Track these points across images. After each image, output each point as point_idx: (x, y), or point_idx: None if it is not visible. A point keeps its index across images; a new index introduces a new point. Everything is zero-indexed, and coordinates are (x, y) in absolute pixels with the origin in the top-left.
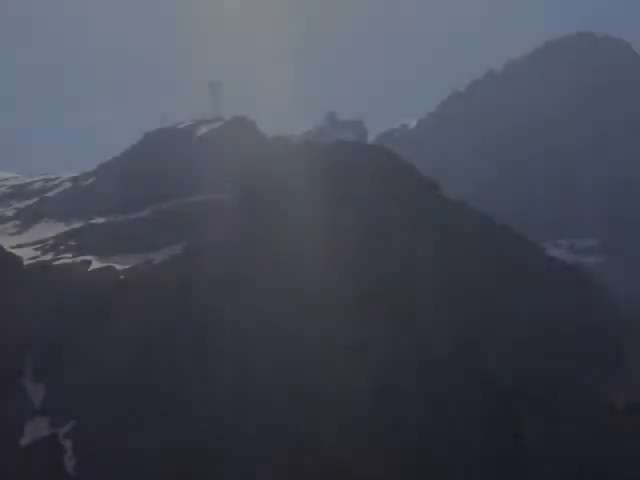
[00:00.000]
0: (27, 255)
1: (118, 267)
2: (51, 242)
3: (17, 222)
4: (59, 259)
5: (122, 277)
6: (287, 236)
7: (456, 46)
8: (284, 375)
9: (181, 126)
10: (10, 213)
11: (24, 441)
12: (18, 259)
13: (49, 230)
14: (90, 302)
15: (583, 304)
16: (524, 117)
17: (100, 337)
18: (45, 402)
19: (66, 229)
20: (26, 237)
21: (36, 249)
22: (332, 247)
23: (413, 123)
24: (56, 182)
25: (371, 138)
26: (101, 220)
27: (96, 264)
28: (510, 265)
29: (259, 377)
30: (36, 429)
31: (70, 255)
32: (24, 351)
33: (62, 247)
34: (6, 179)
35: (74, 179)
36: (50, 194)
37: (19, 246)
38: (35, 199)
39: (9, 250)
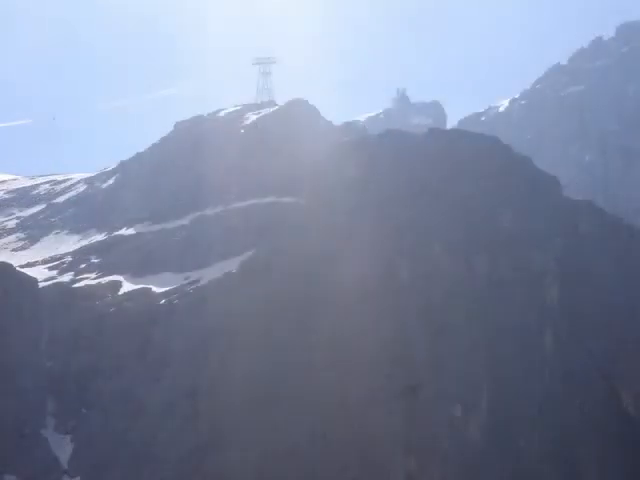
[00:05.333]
0: (40, 276)
1: (155, 289)
2: (68, 259)
3: (21, 235)
4: (80, 280)
5: (162, 302)
6: (368, 251)
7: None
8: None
9: (223, 113)
10: (12, 224)
11: None
12: (32, 281)
13: (62, 244)
14: (123, 334)
15: None
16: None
17: (138, 377)
18: (73, 459)
19: (84, 243)
20: (34, 253)
21: (50, 268)
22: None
23: (503, 105)
24: (66, 184)
25: (451, 123)
26: (129, 231)
27: (127, 286)
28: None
29: None
30: None
31: (94, 275)
32: (45, 395)
33: (82, 265)
34: (4, 181)
35: (89, 180)
36: (60, 199)
37: (28, 265)
38: (41, 206)
39: (20, 270)
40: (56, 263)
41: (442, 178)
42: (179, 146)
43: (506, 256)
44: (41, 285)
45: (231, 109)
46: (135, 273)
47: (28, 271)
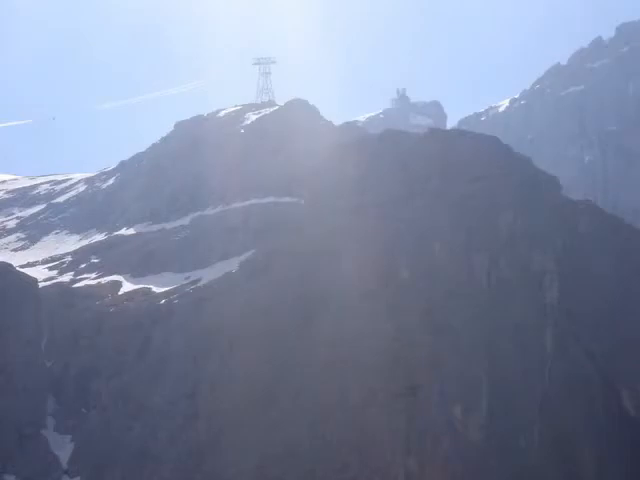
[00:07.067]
0: (40, 276)
1: (155, 289)
2: (68, 259)
3: (21, 235)
4: (80, 280)
5: (162, 302)
6: (368, 251)
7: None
8: None
9: (223, 113)
10: (12, 224)
11: None
12: (32, 281)
13: (62, 244)
14: (123, 334)
15: None
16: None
17: (138, 377)
18: (73, 459)
19: (84, 243)
20: (34, 253)
21: (50, 268)
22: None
23: (503, 105)
24: (66, 184)
25: (451, 123)
26: (129, 231)
27: (127, 286)
28: None
29: None
30: None
31: (94, 275)
32: (45, 395)
33: (82, 265)
34: (4, 181)
35: (89, 180)
36: (60, 199)
37: (29, 264)
38: (41, 206)
39: (20, 270)
40: (56, 263)
41: (442, 178)
42: (179, 146)
43: (506, 256)
44: (41, 285)
45: (231, 109)
46: (135, 273)
47: (28, 271)
